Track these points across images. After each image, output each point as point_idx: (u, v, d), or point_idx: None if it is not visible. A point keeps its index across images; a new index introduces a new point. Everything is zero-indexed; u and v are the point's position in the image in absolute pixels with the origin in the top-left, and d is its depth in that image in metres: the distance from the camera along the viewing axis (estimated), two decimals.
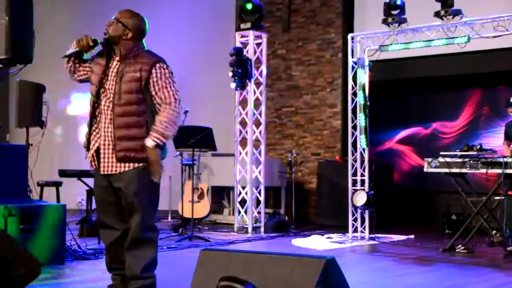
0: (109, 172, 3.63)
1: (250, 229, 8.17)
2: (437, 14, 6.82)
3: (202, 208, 8.35)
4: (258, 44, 8.53)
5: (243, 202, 8.41)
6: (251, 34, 8.37)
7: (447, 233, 7.95)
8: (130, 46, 3.60)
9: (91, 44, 3.69)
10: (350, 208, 7.63)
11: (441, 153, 6.73)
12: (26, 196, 6.07)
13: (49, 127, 7.20)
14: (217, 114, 10.21)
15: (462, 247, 6.49)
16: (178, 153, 8.23)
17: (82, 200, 10.17)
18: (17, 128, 7.67)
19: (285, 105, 10.71)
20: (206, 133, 7.54)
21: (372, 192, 7.46)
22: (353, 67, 7.73)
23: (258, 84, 8.58)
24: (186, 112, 8.19)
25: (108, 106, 3.58)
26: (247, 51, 8.36)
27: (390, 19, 7.13)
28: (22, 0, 5.18)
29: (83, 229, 7.46)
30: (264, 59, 8.60)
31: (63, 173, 9.20)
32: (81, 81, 3.85)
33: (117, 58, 3.62)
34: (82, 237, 7.10)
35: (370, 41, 7.64)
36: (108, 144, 3.59)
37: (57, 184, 9.22)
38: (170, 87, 3.55)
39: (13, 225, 5.05)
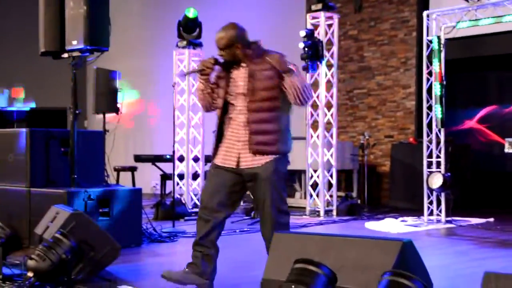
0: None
1: (322, 213, 8.12)
2: None
3: None
4: (330, 26, 8.41)
5: (314, 186, 8.35)
6: (322, 15, 8.26)
7: None
8: (250, 51, 3.73)
9: (212, 62, 3.76)
10: (426, 191, 7.43)
11: None
12: (104, 180, 6.28)
13: (124, 113, 7.40)
14: None
15: None
16: None
17: (157, 184, 10.43)
18: (94, 114, 7.93)
19: (357, 87, 10.54)
20: None
21: (449, 174, 7.24)
22: (428, 46, 7.49)
23: (329, 66, 8.46)
24: None
25: (241, 105, 3.73)
26: (318, 33, 8.26)
27: None
28: None
29: (158, 213, 7.63)
30: (335, 40, 8.47)
31: (138, 158, 9.46)
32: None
33: (244, 65, 3.74)
34: (157, 221, 7.26)
35: (447, 18, 7.36)
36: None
37: (133, 169, 9.50)
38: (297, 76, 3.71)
39: (93, 209, 5.23)
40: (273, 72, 3.66)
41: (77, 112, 5.42)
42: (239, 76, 3.74)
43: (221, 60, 3.77)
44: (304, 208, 8.47)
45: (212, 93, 3.83)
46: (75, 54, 5.33)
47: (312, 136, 8.43)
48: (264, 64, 3.68)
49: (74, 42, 5.22)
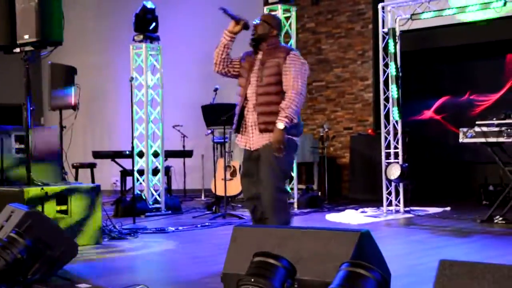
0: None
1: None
2: None
3: (235, 186, 8.35)
4: (287, 18, 8.42)
5: None
6: (279, 7, 8.26)
7: (484, 204, 7.81)
8: (271, 42, 4.22)
9: (243, 26, 4.23)
10: (384, 182, 7.54)
11: (477, 122, 6.58)
12: (61, 178, 6.16)
13: (81, 109, 7.26)
14: None
15: (501, 218, 6.37)
16: (209, 131, 8.24)
17: (117, 180, 10.30)
18: (50, 111, 7.77)
19: (315, 79, 10.60)
20: None
21: (406, 164, 7.36)
22: (384, 38, 7.58)
23: None
24: (216, 89, 8.17)
25: (254, 92, 4.12)
26: None
27: None
28: None
29: (118, 209, 7.54)
30: (293, 33, 8.49)
31: (97, 155, 9.32)
32: (229, 74, 4.27)
33: (261, 53, 4.19)
34: (117, 217, 7.18)
35: (402, 10, 7.47)
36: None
37: (92, 166, 9.36)
38: (298, 76, 4.09)
39: (50, 206, 5.13)
40: (279, 62, 4.09)
41: (31, 108, 5.30)
42: (255, 64, 4.16)
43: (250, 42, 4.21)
44: None
45: (231, 63, 4.22)
46: (27, 48, 5.21)
47: None
48: (273, 55, 4.12)
49: (26, 36, 5.10)
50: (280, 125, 3.98)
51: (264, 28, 4.22)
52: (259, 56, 4.19)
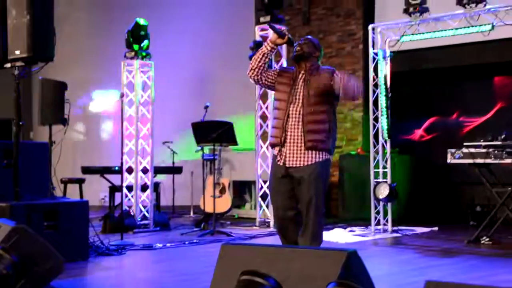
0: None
1: (272, 223, 8.15)
2: (459, 2, 6.70)
3: (224, 203, 8.35)
4: None
5: (264, 197, 8.38)
6: None
7: (471, 225, 7.84)
8: (314, 62, 4.35)
9: (286, 40, 4.29)
10: (373, 201, 7.57)
11: (465, 143, 6.63)
12: (49, 193, 6.13)
13: (71, 125, 7.26)
14: (237, 108, 10.21)
15: (487, 239, 6.40)
16: (199, 148, 8.24)
17: (105, 196, 10.25)
18: (40, 126, 7.76)
19: None
20: (227, 128, 7.53)
21: (395, 184, 7.39)
22: (374, 58, 7.65)
23: None
24: (206, 107, 8.20)
25: (298, 109, 4.19)
26: None
27: (411, 9, 7.04)
28: None
29: (106, 225, 7.51)
30: (284, 52, 8.55)
31: (86, 170, 9.29)
32: (260, 82, 4.33)
33: (302, 72, 4.28)
34: (105, 233, 7.15)
35: (392, 31, 7.55)
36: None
37: (80, 181, 9.31)
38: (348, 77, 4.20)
39: (37, 222, 5.10)
40: (326, 79, 4.20)
41: (20, 123, 5.29)
42: (299, 83, 4.25)
43: (295, 49, 4.30)
44: (254, 219, 8.48)
45: (267, 71, 4.30)
46: (18, 64, 5.21)
47: (261, 147, 8.47)
48: (318, 74, 4.25)
49: (17, 52, 5.11)
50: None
51: (310, 47, 4.35)
52: (300, 75, 4.27)
